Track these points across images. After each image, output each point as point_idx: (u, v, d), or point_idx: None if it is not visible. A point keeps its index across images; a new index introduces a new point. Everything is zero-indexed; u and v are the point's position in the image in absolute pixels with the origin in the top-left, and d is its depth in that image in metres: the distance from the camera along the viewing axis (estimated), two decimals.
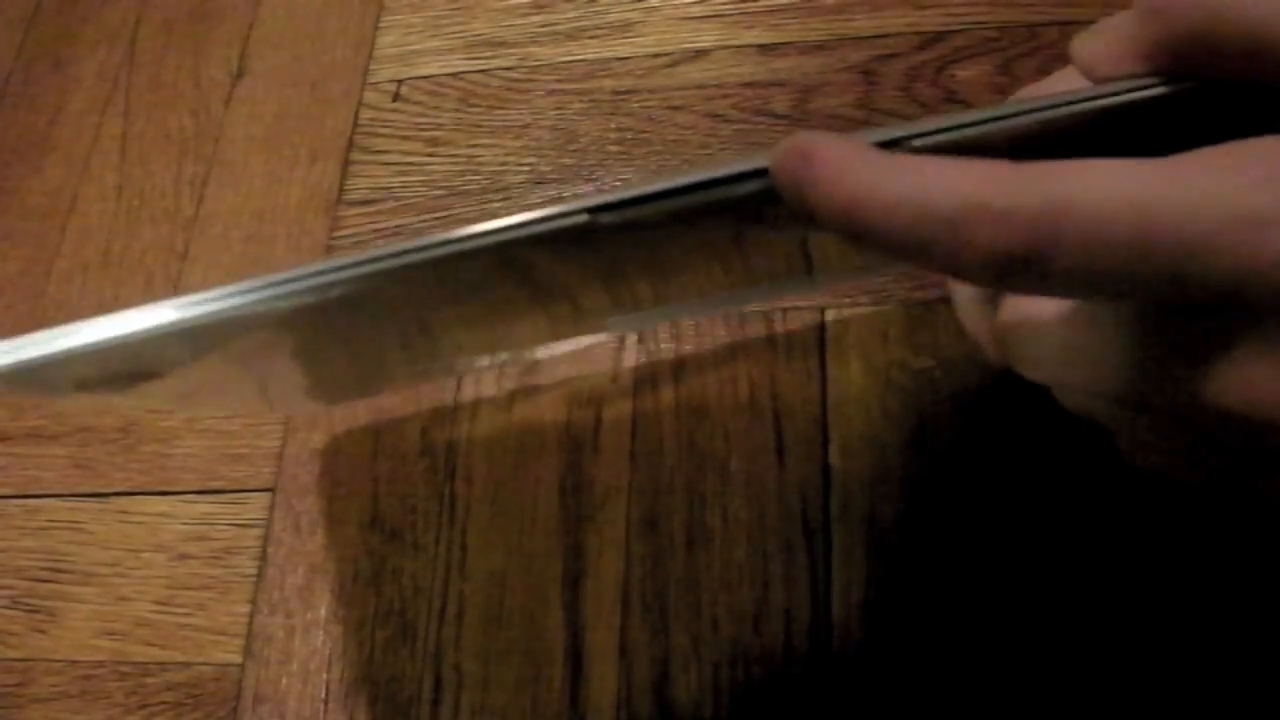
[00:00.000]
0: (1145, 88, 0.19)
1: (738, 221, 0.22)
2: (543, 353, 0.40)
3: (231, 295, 0.21)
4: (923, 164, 0.17)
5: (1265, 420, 0.17)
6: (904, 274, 0.38)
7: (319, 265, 0.21)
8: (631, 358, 0.39)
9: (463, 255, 0.20)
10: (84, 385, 0.25)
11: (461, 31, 0.49)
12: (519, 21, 0.48)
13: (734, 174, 0.20)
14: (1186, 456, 0.21)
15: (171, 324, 0.21)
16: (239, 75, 0.51)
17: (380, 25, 0.50)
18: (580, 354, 0.40)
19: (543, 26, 0.48)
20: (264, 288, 0.21)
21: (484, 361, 0.39)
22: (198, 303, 0.21)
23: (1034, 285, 0.17)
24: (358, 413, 0.41)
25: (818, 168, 0.18)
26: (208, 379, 0.28)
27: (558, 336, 0.38)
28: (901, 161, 0.18)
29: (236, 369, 0.28)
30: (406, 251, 0.20)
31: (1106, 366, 0.20)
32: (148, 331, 0.21)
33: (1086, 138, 0.19)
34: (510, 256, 0.21)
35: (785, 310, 0.39)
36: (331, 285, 0.21)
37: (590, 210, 0.20)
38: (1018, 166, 0.17)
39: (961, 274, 0.17)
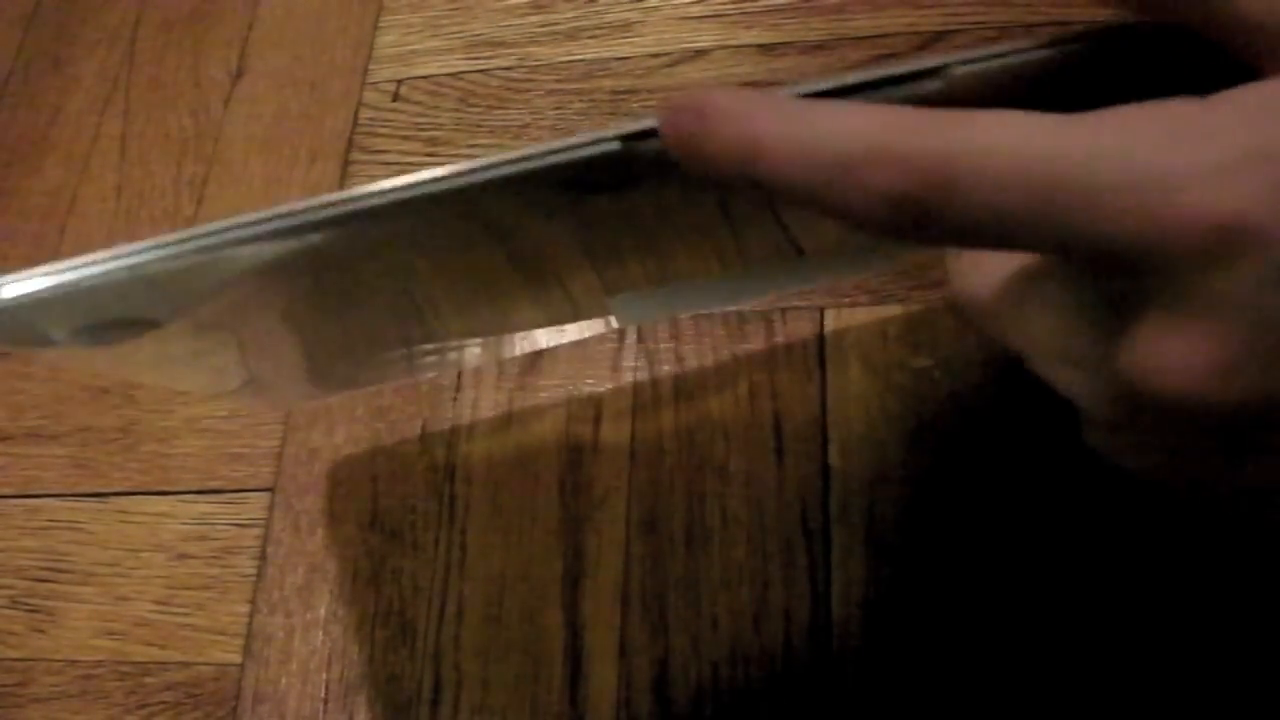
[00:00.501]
0: (1069, 41, 0.19)
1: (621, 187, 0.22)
2: (545, 340, 0.40)
3: (207, 234, 0.21)
4: (825, 109, 0.17)
5: (1174, 397, 0.16)
6: (903, 273, 0.38)
7: (296, 205, 0.20)
8: (631, 358, 0.39)
9: (433, 198, 0.20)
10: (81, 333, 0.24)
11: (461, 31, 0.49)
12: (518, 21, 0.48)
13: (626, 134, 0.19)
14: (1136, 445, 0.20)
15: (153, 259, 0.21)
16: (239, 75, 0.51)
17: (380, 25, 0.50)
18: (580, 353, 0.40)
19: (542, 26, 0.48)
20: (237, 227, 0.20)
21: (478, 349, 0.39)
22: (175, 241, 0.21)
23: (930, 235, 0.16)
24: (357, 412, 0.41)
25: (710, 120, 0.18)
26: (202, 343, 0.28)
27: (556, 322, 0.37)
28: (802, 107, 0.17)
29: (227, 333, 0.28)
30: (374, 194, 0.20)
31: (1043, 329, 0.19)
32: (129, 266, 0.21)
33: (1021, 92, 0.19)
34: (477, 206, 0.21)
35: (785, 310, 0.39)
36: (307, 226, 0.20)
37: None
38: (924, 113, 0.16)
39: (855, 220, 0.17)
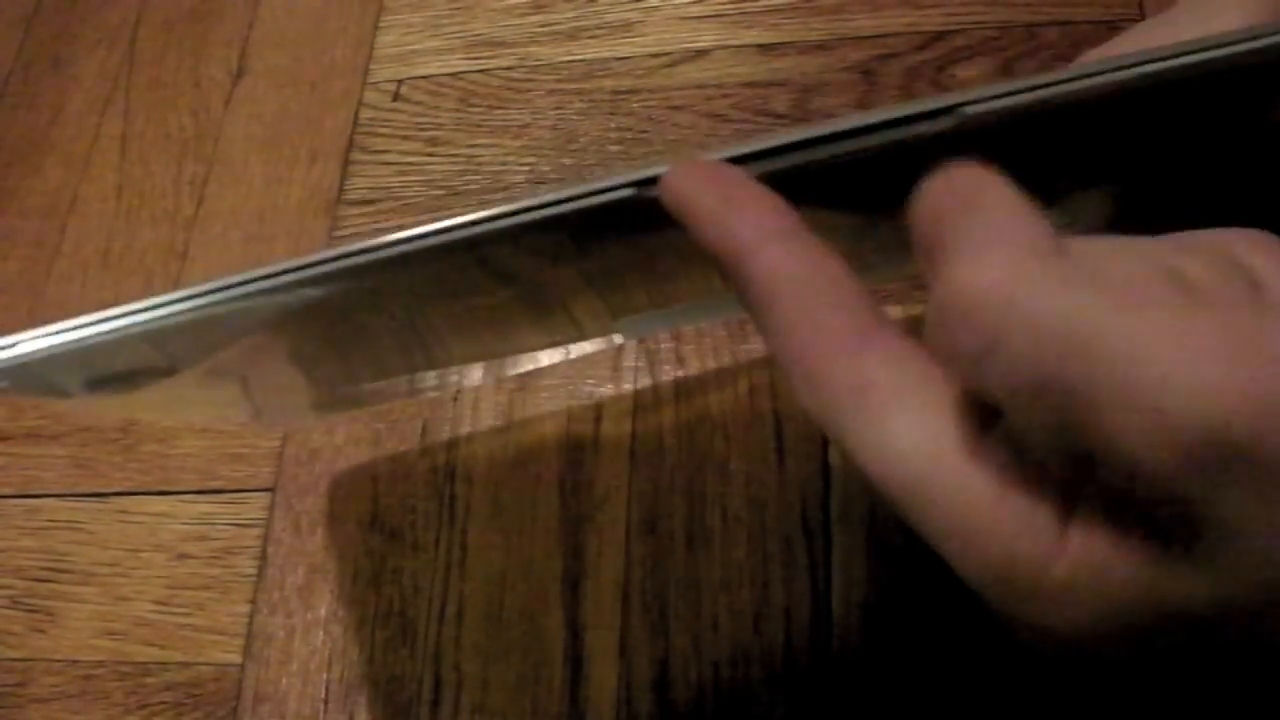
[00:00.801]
0: (1078, 78, 0.18)
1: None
2: (547, 359, 0.40)
3: (218, 289, 0.21)
4: (827, 272, 0.18)
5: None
6: (901, 277, 0.38)
7: (295, 261, 0.20)
8: (631, 358, 0.39)
9: (431, 251, 0.20)
10: (94, 384, 0.25)
11: (461, 31, 0.49)
12: (519, 21, 0.48)
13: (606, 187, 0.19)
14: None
15: (168, 314, 0.21)
16: (239, 75, 0.51)
17: (380, 25, 0.50)
18: (580, 355, 0.40)
19: (542, 26, 0.48)
20: (246, 282, 0.21)
21: (480, 371, 0.39)
22: (189, 296, 0.21)
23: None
24: (357, 412, 0.41)
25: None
26: (210, 385, 0.28)
27: (560, 344, 0.38)
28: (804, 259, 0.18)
29: (237, 374, 0.28)
30: (369, 250, 0.20)
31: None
32: (142, 323, 0.21)
33: (1030, 129, 0.19)
34: (484, 254, 0.21)
35: None
36: (316, 279, 0.20)
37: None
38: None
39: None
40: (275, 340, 0.25)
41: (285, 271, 0.20)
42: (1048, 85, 0.18)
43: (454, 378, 0.39)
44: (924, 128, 0.19)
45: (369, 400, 0.39)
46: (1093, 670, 0.18)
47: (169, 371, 0.25)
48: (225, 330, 0.23)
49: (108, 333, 0.21)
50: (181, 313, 0.21)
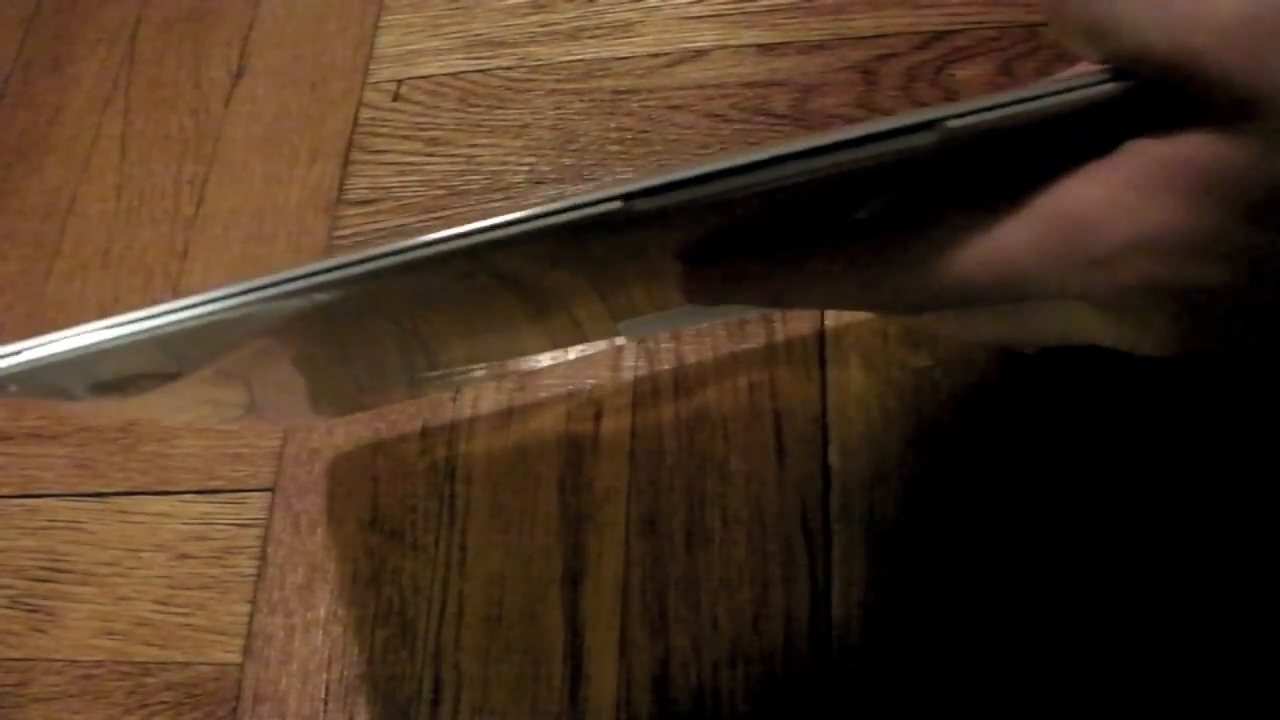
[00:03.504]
0: (1061, 92, 0.19)
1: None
2: (548, 360, 0.40)
3: (217, 299, 0.21)
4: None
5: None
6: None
7: (302, 268, 0.21)
8: (631, 358, 0.39)
9: (437, 258, 0.20)
10: (100, 388, 0.25)
11: (461, 31, 0.49)
12: (519, 21, 0.48)
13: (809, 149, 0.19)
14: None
15: (176, 321, 0.21)
16: (239, 75, 0.51)
17: (380, 25, 0.50)
18: (580, 355, 0.40)
19: (542, 26, 0.48)
20: (256, 289, 0.21)
21: (482, 372, 0.39)
22: (187, 306, 0.21)
23: None
24: (358, 413, 0.41)
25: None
26: (216, 385, 0.28)
27: (562, 345, 0.38)
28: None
29: (241, 375, 0.28)
30: (378, 256, 0.20)
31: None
32: (151, 329, 0.21)
33: (1015, 142, 0.19)
34: (483, 261, 0.21)
35: (785, 310, 0.39)
36: (321, 286, 0.21)
37: (625, 196, 0.20)
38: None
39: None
40: (280, 344, 0.25)
41: (293, 279, 0.21)
42: (1026, 100, 0.19)
43: (457, 378, 0.39)
44: (904, 143, 0.19)
45: (369, 401, 0.39)
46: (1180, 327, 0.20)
47: (175, 375, 0.25)
48: (234, 335, 0.23)
49: (119, 338, 0.21)
50: (192, 319, 0.21)
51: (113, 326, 0.21)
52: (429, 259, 0.20)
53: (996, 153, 0.20)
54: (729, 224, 0.22)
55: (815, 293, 0.23)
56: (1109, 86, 0.18)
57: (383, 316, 0.25)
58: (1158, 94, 0.18)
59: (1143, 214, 0.18)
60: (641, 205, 0.20)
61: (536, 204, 0.20)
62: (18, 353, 0.21)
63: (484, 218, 0.20)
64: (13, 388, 0.22)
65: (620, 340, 0.37)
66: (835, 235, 0.22)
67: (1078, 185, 0.19)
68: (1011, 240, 0.20)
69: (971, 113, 0.19)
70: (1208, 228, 0.18)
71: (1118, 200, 0.18)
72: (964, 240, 0.20)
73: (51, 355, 0.21)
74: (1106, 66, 0.19)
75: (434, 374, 0.36)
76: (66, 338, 0.21)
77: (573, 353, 0.40)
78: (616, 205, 0.20)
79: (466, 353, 0.34)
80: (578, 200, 0.20)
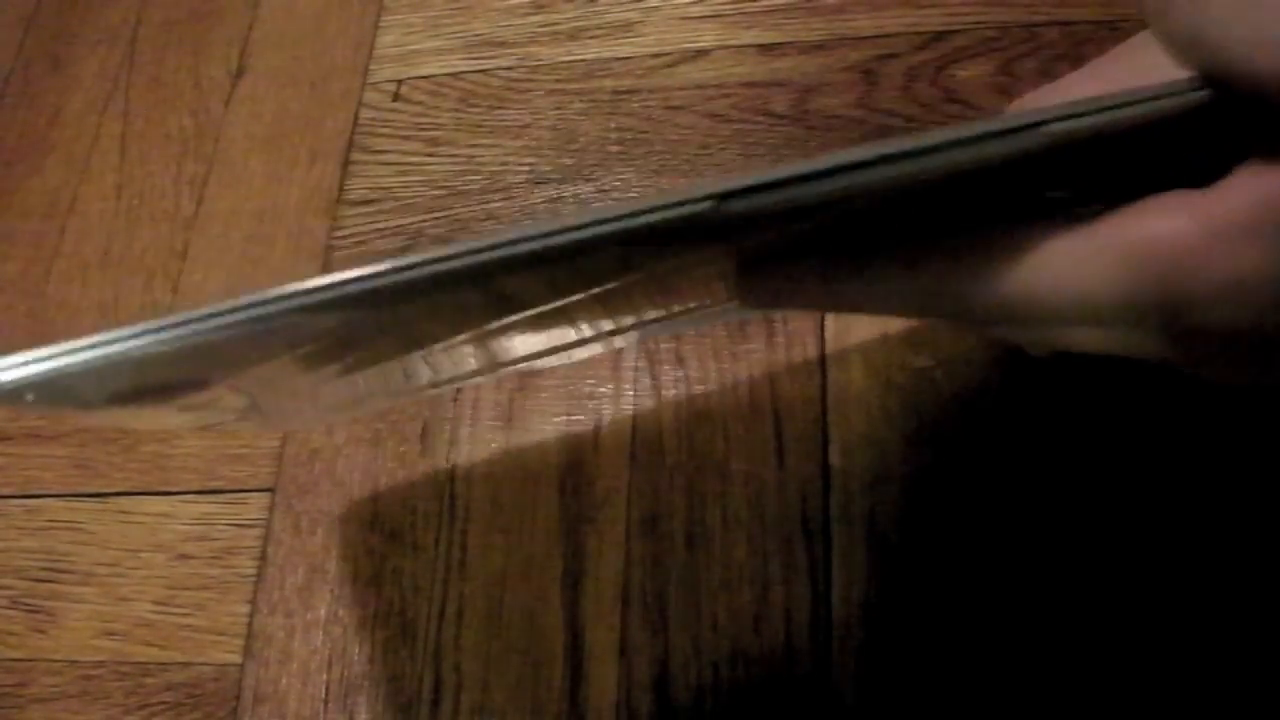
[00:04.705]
0: (1169, 95, 0.18)
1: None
2: (546, 363, 0.40)
3: (248, 309, 0.19)
4: None
5: None
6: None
7: (361, 271, 0.19)
8: (631, 358, 0.39)
9: (526, 258, 0.18)
10: (120, 397, 0.24)
11: (461, 31, 0.49)
12: (519, 21, 0.48)
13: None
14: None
15: (205, 329, 0.20)
16: (239, 75, 0.51)
17: (380, 25, 0.50)
18: (581, 355, 0.40)
19: (543, 26, 0.48)
20: (294, 296, 0.19)
21: (481, 378, 0.39)
22: (229, 310, 0.20)
23: None
24: (358, 414, 0.41)
25: None
26: (231, 393, 0.28)
27: (564, 350, 0.38)
28: None
29: (258, 383, 0.28)
30: (413, 266, 0.19)
31: None
32: (176, 338, 0.20)
33: (1118, 145, 0.18)
34: (498, 285, 0.20)
35: (837, 314, 0.39)
36: (358, 298, 0.19)
37: (716, 196, 0.18)
38: None
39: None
40: (298, 353, 0.25)
41: (363, 278, 0.19)
42: (1132, 104, 0.17)
43: (457, 377, 0.39)
44: (1012, 143, 0.18)
45: (367, 409, 0.39)
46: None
47: (203, 384, 0.24)
48: (283, 341, 0.21)
49: (160, 342, 0.20)
50: (225, 326, 0.20)
51: (143, 333, 0.20)
52: (509, 260, 0.19)
53: (1086, 162, 0.19)
54: (800, 230, 0.21)
55: (874, 297, 0.22)
56: (1202, 94, 0.17)
57: (391, 331, 0.25)
58: (1261, 118, 0.17)
59: (1245, 257, 0.17)
60: (735, 206, 0.18)
61: (614, 205, 0.18)
62: (45, 358, 0.20)
63: (487, 219, 0.19)
64: (30, 396, 0.22)
65: (620, 343, 0.36)
66: (900, 240, 0.21)
67: (1170, 215, 0.17)
68: (1088, 266, 0.18)
69: (1074, 116, 0.17)
70: None
71: (1216, 239, 0.17)
72: (1036, 257, 0.19)
73: (89, 360, 0.20)
74: (1198, 76, 0.18)
75: (436, 378, 0.36)
76: (93, 344, 0.20)
77: (573, 354, 0.40)
78: (706, 206, 0.18)
79: (468, 360, 0.34)
80: (660, 201, 0.18)
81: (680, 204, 0.18)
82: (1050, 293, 0.19)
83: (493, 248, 0.18)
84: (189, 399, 0.26)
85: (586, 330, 0.31)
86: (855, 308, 0.23)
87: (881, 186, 0.18)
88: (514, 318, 0.26)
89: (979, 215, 0.20)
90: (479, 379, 0.39)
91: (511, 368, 0.39)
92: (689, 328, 0.39)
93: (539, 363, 0.39)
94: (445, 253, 0.19)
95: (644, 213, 0.18)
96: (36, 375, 0.20)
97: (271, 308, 0.19)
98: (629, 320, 0.31)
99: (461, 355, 0.33)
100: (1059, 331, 0.22)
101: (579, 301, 0.27)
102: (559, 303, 0.25)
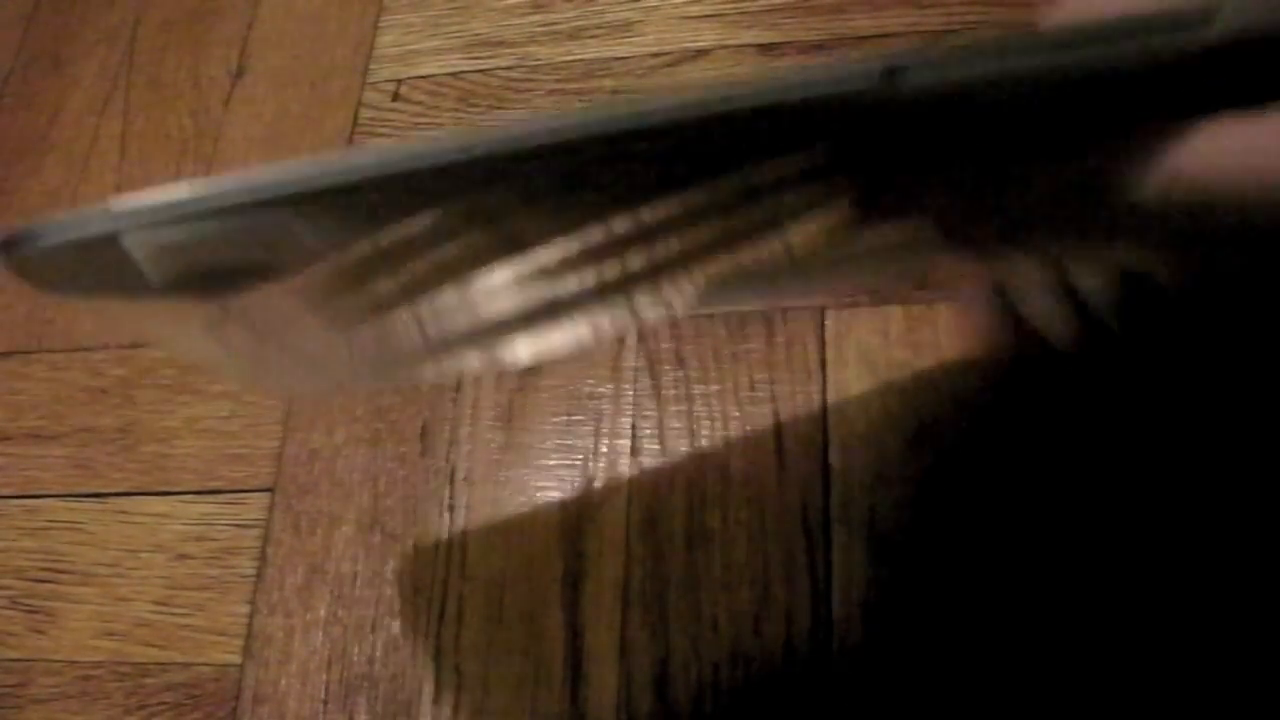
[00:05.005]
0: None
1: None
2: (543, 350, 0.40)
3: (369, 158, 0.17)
4: None
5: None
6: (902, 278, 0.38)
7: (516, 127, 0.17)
8: (631, 358, 0.39)
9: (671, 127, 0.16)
10: (184, 277, 0.21)
11: (461, 31, 0.49)
12: (518, 21, 0.48)
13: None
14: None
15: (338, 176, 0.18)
16: (239, 75, 0.51)
17: (380, 25, 0.50)
18: (580, 352, 0.40)
19: (542, 26, 0.48)
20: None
21: (477, 362, 0.38)
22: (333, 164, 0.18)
23: None
24: (357, 412, 0.41)
25: None
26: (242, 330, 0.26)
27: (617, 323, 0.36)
28: None
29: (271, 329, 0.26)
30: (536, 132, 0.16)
31: None
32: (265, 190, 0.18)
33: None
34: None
35: (785, 310, 0.39)
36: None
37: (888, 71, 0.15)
38: None
39: None
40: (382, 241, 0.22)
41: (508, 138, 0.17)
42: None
43: (494, 354, 0.37)
44: (1180, 38, 0.15)
45: (367, 388, 0.38)
46: None
47: (276, 271, 0.21)
48: (380, 214, 0.19)
49: (312, 178, 0.18)
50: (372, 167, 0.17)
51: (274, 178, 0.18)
52: (639, 131, 0.16)
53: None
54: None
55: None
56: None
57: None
58: None
59: None
60: (915, 78, 0.15)
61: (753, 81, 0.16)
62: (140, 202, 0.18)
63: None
64: (128, 239, 0.19)
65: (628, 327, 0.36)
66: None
67: None
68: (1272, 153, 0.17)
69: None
70: None
71: None
72: (1218, 142, 0.18)
73: (176, 201, 0.18)
74: None
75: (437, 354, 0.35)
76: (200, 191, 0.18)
77: (573, 353, 0.40)
78: (873, 81, 0.15)
79: (507, 326, 0.32)
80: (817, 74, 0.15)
81: (842, 78, 0.15)
82: (1238, 173, 0.18)
83: (625, 116, 0.16)
84: (242, 298, 0.23)
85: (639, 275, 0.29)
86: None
87: (1099, 66, 0.15)
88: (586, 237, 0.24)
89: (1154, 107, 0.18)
90: (475, 363, 0.38)
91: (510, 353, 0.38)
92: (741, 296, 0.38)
93: (572, 330, 0.38)
94: (567, 121, 0.17)
95: (795, 86, 0.15)
96: (141, 209, 0.18)
97: (414, 162, 0.17)
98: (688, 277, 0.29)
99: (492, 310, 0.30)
100: (1218, 221, 0.21)
101: (664, 222, 0.24)
102: (636, 225, 0.23)
